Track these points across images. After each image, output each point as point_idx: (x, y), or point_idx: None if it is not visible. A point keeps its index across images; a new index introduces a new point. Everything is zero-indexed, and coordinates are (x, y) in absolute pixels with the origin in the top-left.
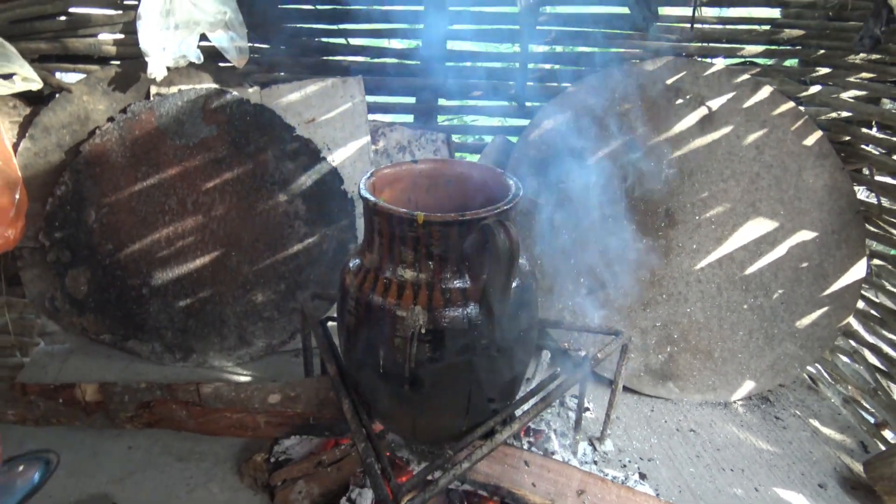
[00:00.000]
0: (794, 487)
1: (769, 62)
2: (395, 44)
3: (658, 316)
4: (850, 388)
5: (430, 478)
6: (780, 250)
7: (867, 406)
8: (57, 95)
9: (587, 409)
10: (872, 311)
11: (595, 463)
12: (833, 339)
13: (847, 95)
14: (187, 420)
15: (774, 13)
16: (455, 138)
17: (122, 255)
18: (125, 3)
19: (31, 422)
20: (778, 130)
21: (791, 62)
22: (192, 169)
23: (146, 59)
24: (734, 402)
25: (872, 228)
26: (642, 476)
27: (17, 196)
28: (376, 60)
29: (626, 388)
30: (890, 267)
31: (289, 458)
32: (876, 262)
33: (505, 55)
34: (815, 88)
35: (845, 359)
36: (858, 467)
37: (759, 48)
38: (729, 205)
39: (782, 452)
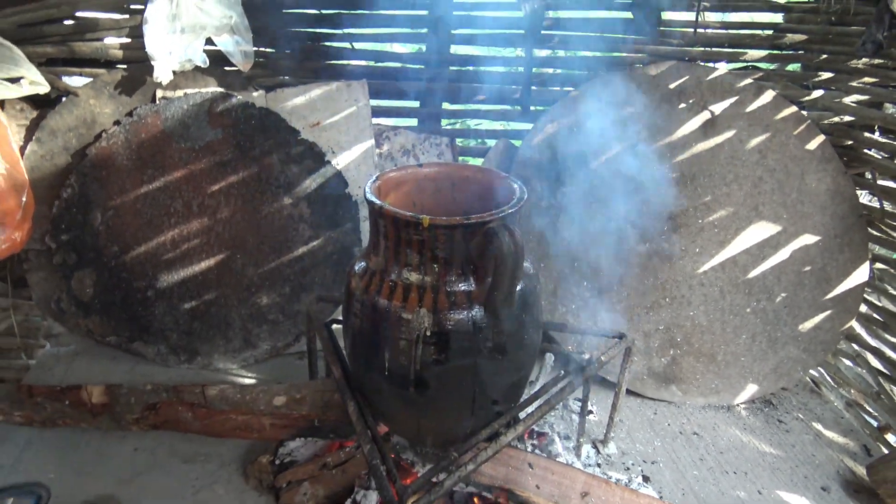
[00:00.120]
0: (798, 490)
1: (772, 67)
2: (400, 48)
3: (661, 319)
4: (852, 391)
5: (434, 480)
6: (783, 254)
7: (870, 409)
8: (64, 99)
9: (590, 412)
10: (875, 315)
11: (598, 466)
12: (836, 342)
13: (849, 100)
14: (193, 422)
15: (777, 18)
16: (459, 142)
17: (127, 257)
18: (132, 7)
19: (37, 423)
20: (781, 134)
21: (794, 67)
22: (198, 172)
23: (152, 62)
24: (737, 405)
25: (875, 232)
26: (646, 479)
27: (24, 199)
28: (381, 65)
29: (629, 392)
30: (892, 271)
31: (294, 460)
32: (878, 265)
33: (508, 59)
34: (817, 93)
35: (848, 362)
36: (861, 470)
37: (762, 53)
38: (732, 208)
39: (785, 455)
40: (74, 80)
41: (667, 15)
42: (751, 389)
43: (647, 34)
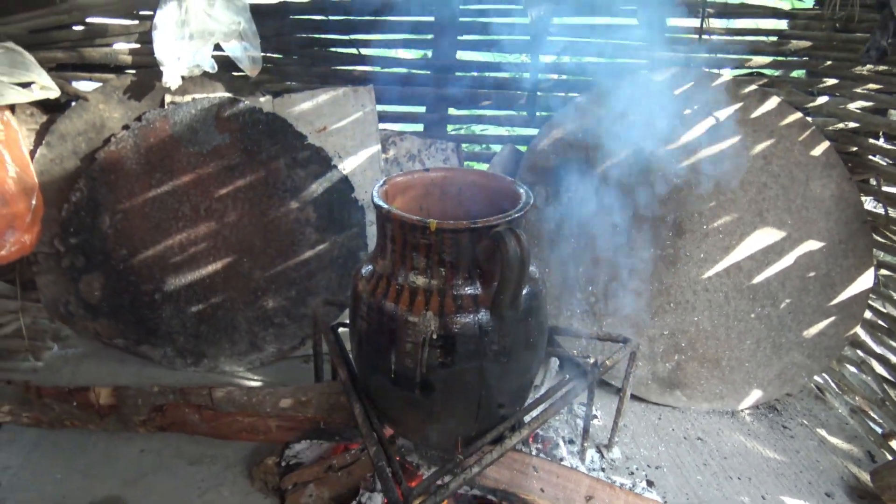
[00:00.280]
0: (802, 496)
1: (776, 73)
2: (406, 54)
3: (666, 324)
4: (857, 398)
5: (439, 482)
6: (788, 260)
7: (874, 416)
8: (73, 103)
9: (595, 416)
10: (880, 322)
11: (603, 470)
12: (840, 348)
13: (854, 106)
14: (199, 424)
15: (782, 24)
16: (464, 147)
17: (135, 260)
18: (141, 13)
19: (45, 424)
20: (785, 141)
21: (798, 73)
22: (206, 176)
23: (161, 68)
24: (741, 410)
25: (880, 238)
26: (650, 483)
27: (34, 202)
28: (387, 70)
29: (633, 396)
30: None
31: (299, 462)
32: (883, 272)
33: (514, 65)
34: (822, 99)
35: (852, 369)
36: (865, 476)
37: (767, 59)
38: (736, 214)
39: (789, 461)
40: (84, 85)
41: (672, 21)
42: (755, 395)
43: (652, 40)
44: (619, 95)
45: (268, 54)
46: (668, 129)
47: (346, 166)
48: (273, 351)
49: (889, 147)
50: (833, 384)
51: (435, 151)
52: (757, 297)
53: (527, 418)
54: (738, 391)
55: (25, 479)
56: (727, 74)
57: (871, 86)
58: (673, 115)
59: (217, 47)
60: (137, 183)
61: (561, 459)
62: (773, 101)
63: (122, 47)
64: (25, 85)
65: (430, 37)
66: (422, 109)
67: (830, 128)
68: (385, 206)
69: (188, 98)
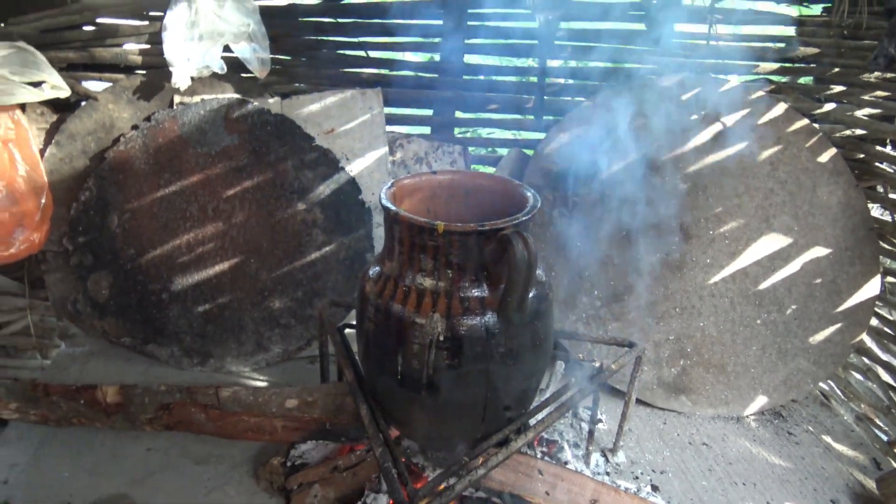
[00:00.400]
0: (806, 503)
1: (784, 79)
2: (414, 57)
3: (671, 329)
4: (862, 405)
5: (445, 484)
6: (794, 266)
7: (880, 423)
8: (83, 103)
9: (600, 420)
10: (886, 329)
11: (608, 474)
12: (846, 355)
13: (861, 113)
14: (206, 423)
15: (789, 31)
16: (471, 150)
17: (143, 260)
18: (151, 14)
19: (52, 422)
20: (792, 147)
21: (806, 80)
22: (214, 177)
23: (171, 68)
24: (747, 416)
25: (886, 246)
26: (654, 488)
27: (43, 201)
28: (395, 73)
29: (638, 401)
30: None
31: (305, 463)
32: (890, 279)
33: (522, 69)
34: (829, 106)
35: (858, 376)
36: (871, 484)
37: (774, 65)
38: (743, 220)
39: (794, 468)
40: (94, 85)
41: (679, 27)
42: (760, 401)
43: (659, 45)
44: (626, 100)
45: (276, 56)
46: (674, 134)
47: (354, 168)
48: (279, 351)
49: None
50: (839, 391)
51: (442, 154)
52: (763, 303)
53: (532, 421)
54: (744, 397)
55: (33, 476)
56: (735, 80)
57: (879, 93)
58: (680, 120)
59: (226, 48)
60: (146, 183)
61: (566, 463)
62: (780, 108)
63: (133, 48)
64: (36, 84)
65: (438, 40)
66: (429, 112)
67: (837, 134)
68: (393, 208)
69: (197, 99)
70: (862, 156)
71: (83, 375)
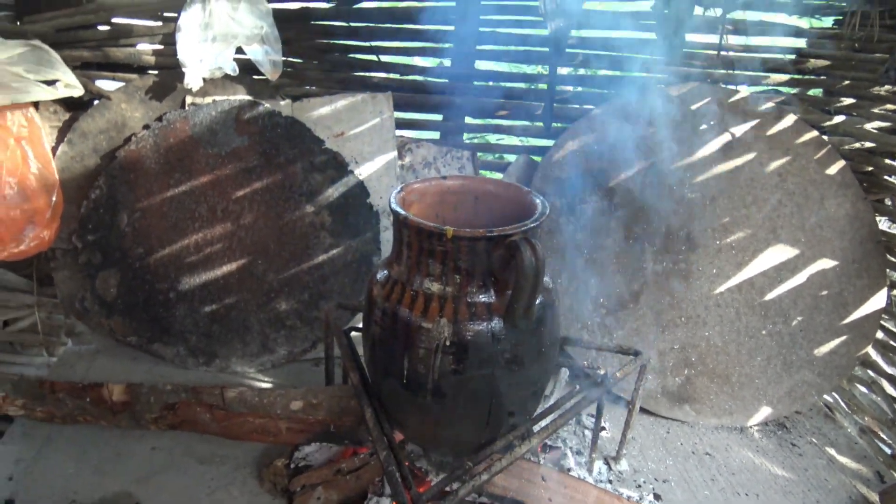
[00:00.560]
0: None
1: (794, 91)
2: (425, 62)
3: (676, 338)
4: (867, 417)
5: (448, 489)
6: (801, 278)
7: (884, 436)
8: (96, 102)
9: (604, 428)
10: (892, 342)
11: (610, 482)
12: (851, 368)
13: (871, 126)
14: (210, 423)
15: (800, 43)
16: (479, 156)
17: (151, 259)
18: (165, 14)
19: (58, 419)
20: (801, 158)
21: (815, 91)
22: (223, 177)
23: (183, 69)
24: (750, 427)
25: (893, 259)
26: (657, 497)
27: (54, 198)
28: (405, 77)
29: (642, 410)
30: None
31: (308, 465)
32: None
33: (532, 76)
34: (839, 118)
35: (863, 388)
36: (874, 497)
37: (784, 77)
38: (750, 231)
39: (798, 479)
40: (107, 84)
41: (690, 36)
42: (764, 412)
43: (670, 55)
44: (635, 109)
45: (288, 58)
46: (683, 144)
47: (363, 172)
48: (284, 353)
49: None
50: (843, 403)
51: (451, 159)
52: (768, 314)
53: (536, 428)
54: (748, 407)
55: (38, 473)
56: (744, 91)
57: (889, 106)
58: (689, 129)
59: (238, 50)
60: (156, 182)
61: (569, 470)
62: (789, 119)
63: (146, 48)
64: (51, 83)
65: (449, 45)
66: (439, 117)
67: (846, 147)
68: (402, 212)
69: (209, 100)
70: (870, 168)
71: (89, 373)
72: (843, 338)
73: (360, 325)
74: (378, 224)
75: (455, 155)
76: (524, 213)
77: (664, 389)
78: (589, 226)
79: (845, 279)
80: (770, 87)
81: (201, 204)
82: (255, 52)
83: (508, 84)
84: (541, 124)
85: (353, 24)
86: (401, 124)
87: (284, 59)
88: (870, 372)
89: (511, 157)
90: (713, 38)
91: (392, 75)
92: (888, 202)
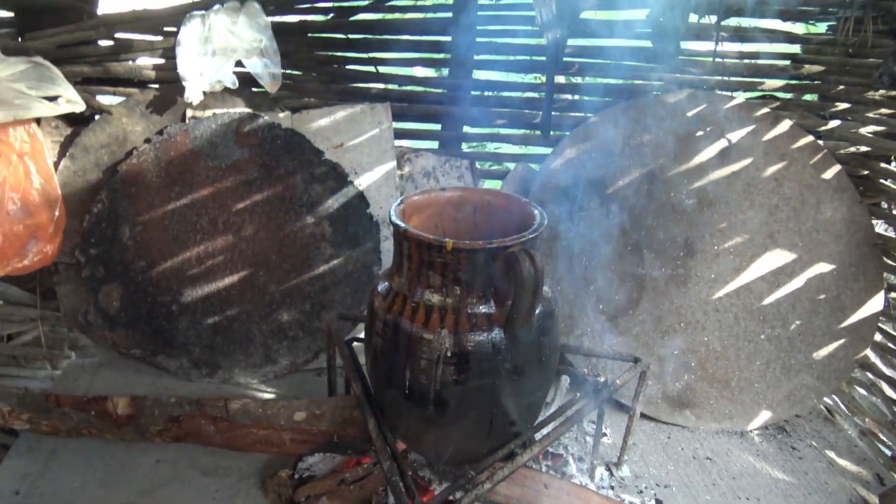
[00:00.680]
0: None
1: (789, 96)
2: (423, 72)
3: (676, 344)
4: (866, 420)
5: (451, 498)
6: (798, 282)
7: (884, 438)
8: (97, 117)
9: (605, 434)
10: (890, 344)
11: (612, 488)
12: (850, 371)
13: (866, 130)
14: (214, 435)
15: (795, 49)
16: (478, 165)
17: (154, 272)
18: (165, 29)
19: (63, 433)
20: (797, 163)
21: (811, 97)
22: (224, 190)
23: (184, 83)
24: (750, 431)
25: (890, 262)
26: (659, 502)
27: (57, 213)
28: (404, 88)
29: (643, 415)
30: None
31: (312, 475)
32: (893, 295)
33: (529, 85)
34: (834, 123)
35: (862, 391)
36: (874, 499)
37: (780, 83)
38: (747, 236)
39: (798, 483)
40: (108, 99)
41: (686, 44)
42: (764, 416)
43: (666, 63)
44: (632, 116)
45: (287, 71)
46: (680, 150)
47: (362, 182)
48: (287, 364)
49: None
50: (842, 406)
51: (449, 168)
52: (767, 319)
53: (538, 435)
54: (748, 412)
55: (44, 486)
56: (740, 97)
57: (884, 110)
58: (685, 136)
59: (238, 63)
60: (157, 196)
61: (571, 476)
62: (785, 124)
63: (146, 62)
64: (52, 98)
65: (447, 56)
66: (437, 127)
67: (842, 151)
68: (402, 224)
69: (209, 113)
70: (866, 172)
71: (93, 386)
72: (842, 341)
73: (362, 336)
74: (378, 234)
75: (454, 164)
76: (523, 223)
77: (664, 395)
78: (587, 233)
79: (843, 283)
80: (765, 93)
81: (202, 216)
82: (254, 66)
83: (506, 93)
84: (539, 133)
85: (351, 37)
86: (399, 134)
87: (283, 71)
88: (869, 374)
89: (511, 165)
90: (708, 45)
91: (390, 86)
92: (884, 205)
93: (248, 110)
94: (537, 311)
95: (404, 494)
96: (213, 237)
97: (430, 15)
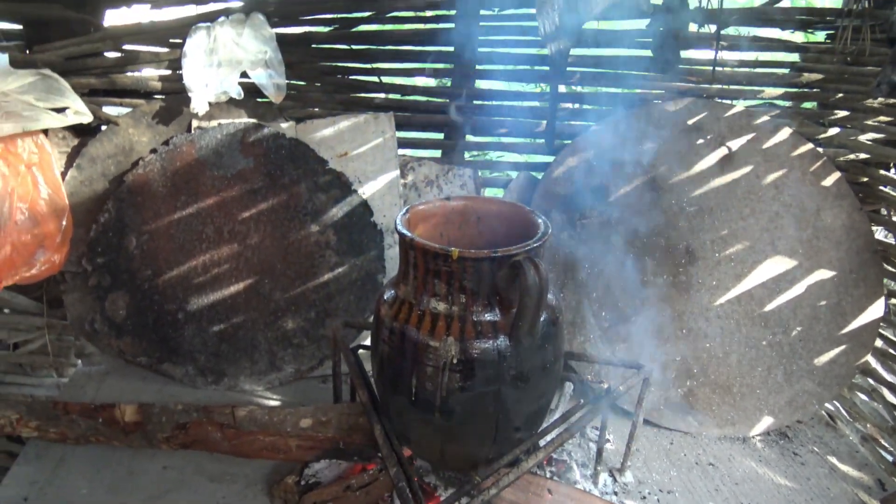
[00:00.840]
0: None
1: (788, 104)
2: (426, 82)
3: (678, 350)
4: (868, 425)
5: (457, 503)
6: (799, 288)
7: (885, 444)
8: (104, 127)
9: (608, 440)
10: (891, 350)
11: (615, 494)
12: (851, 376)
13: (865, 138)
14: (221, 442)
15: (794, 57)
16: (481, 173)
17: (160, 280)
18: (171, 41)
19: (71, 440)
20: (797, 171)
21: (810, 105)
22: (229, 199)
23: (189, 94)
24: (753, 437)
25: (890, 268)
26: None
27: (64, 223)
28: (407, 98)
29: (646, 421)
30: None
31: (318, 482)
32: (894, 301)
33: (532, 94)
34: (833, 130)
35: (863, 397)
36: None
37: (779, 91)
38: (748, 243)
39: (800, 488)
40: (115, 110)
41: (686, 53)
42: (766, 421)
43: (666, 72)
44: (633, 125)
45: (292, 81)
46: (681, 158)
47: (366, 191)
48: (292, 371)
49: None
50: (844, 412)
51: (452, 177)
52: (768, 325)
53: (542, 442)
54: (750, 417)
55: (52, 493)
56: (740, 105)
57: (882, 118)
58: (686, 144)
59: (243, 74)
60: (163, 205)
61: (574, 483)
62: (785, 132)
63: (153, 74)
64: (60, 110)
65: (450, 66)
66: (440, 136)
67: (841, 158)
68: (408, 234)
69: (214, 123)
70: (865, 179)
71: (99, 394)
72: (843, 347)
73: (368, 343)
74: (382, 242)
75: (457, 173)
76: (527, 231)
77: (667, 401)
78: (590, 241)
79: (843, 289)
80: (765, 101)
81: (208, 225)
82: (259, 76)
83: (509, 103)
84: (541, 141)
85: (354, 47)
86: (403, 143)
87: (288, 82)
88: (870, 380)
89: (512, 174)
90: (708, 54)
91: (393, 96)
92: (884, 212)
93: (252, 120)
94: (542, 319)
95: (411, 500)
96: (218, 246)
97: (432, 26)
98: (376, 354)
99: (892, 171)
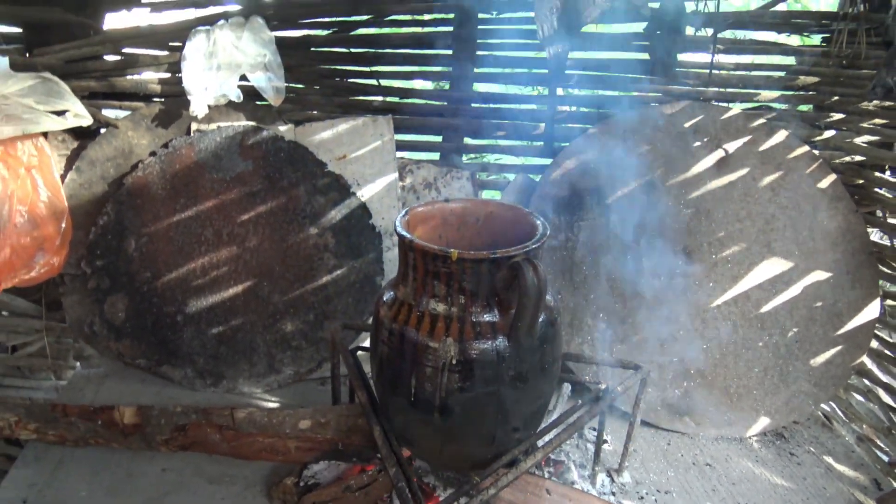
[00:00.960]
0: None
1: (784, 107)
2: (424, 85)
3: (675, 351)
4: (863, 426)
5: (456, 503)
6: (795, 290)
7: (881, 444)
8: (103, 130)
9: (606, 441)
10: (886, 351)
11: (613, 494)
12: (847, 377)
13: (860, 140)
14: (220, 444)
15: (790, 60)
16: (479, 176)
17: (159, 283)
18: (171, 44)
19: (70, 442)
20: (793, 173)
21: (806, 107)
22: (228, 202)
23: (189, 97)
24: (749, 437)
25: (885, 269)
26: None
27: (63, 225)
28: (405, 101)
29: (643, 422)
30: None
31: (317, 483)
32: (889, 302)
33: (530, 97)
34: (829, 133)
35: (859, 397)
36: None
37: (775, 93)
38: (745, 244)
39: (796, 488)
40: (114, 113)
41: (682, 56)
42: (763, 422)
43: (663, 75)
44: (631, 127)
45: (291, 84)
46: (678, 161)
47: (365, 193)
48: (290, 373)
49: (894, 180)
50: (840, 412)
51: (450, 179)
52: (765, 326)
53: (540, 442)
54: (746, 418)
55: (51, 496)
56: (736, 108)
57: (877, 121)
58: (683, 146)
59: (242, 77)
60: (163, 207)
61: (573, 483)
62: (781, 135)
63: (152, 77)
64: (60, 113)
65: (448, 69)
66: (438, 139)
67: (837, 161)
68: (408, 235)
69: (213, 126)
70: (861, 181)
71: (98, 396)
72: (839, 348)
73: (366, 345)
74: (381, 244)
75: (455, 175)
76: (525, 233)
77: (664, 402)
78: (587, 242)
79: (839, 290)
80: (761, 104)
81: (207, 228)
82: (258, 80)
83: (507, 105)
84: (539, 144)
85: (353, 50)
86: (401, 146)
87: (287, 85)
88: (865, 381)
89: (510, 176)
90: (705, 58)
91: (392, 99)
92: (879, 214)
93: (252, 123)
94: (540, 320)
95: (410, 500)
96: (217, 248)
97: (430, 29)
98: (375, 355)
99: (888, 173)
